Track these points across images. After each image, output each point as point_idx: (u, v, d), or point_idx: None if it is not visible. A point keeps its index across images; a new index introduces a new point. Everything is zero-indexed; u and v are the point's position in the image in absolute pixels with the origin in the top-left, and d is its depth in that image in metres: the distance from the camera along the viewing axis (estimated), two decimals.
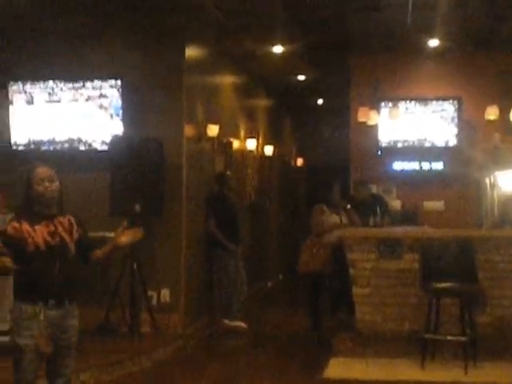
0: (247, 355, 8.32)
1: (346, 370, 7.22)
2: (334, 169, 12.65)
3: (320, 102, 15.63)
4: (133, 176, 8.00)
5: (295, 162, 17.25)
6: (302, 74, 12.82)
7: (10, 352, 4.52)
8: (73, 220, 4.66)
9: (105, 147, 8.42)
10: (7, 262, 4.44)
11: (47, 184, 4.53)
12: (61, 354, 4.57)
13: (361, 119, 10.92)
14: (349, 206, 9.07)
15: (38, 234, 4.49)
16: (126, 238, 4.68)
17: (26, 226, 4.49)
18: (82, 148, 8.56)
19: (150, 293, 8.23)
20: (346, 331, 7.99)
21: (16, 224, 4.51)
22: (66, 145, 8.58)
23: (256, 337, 9.30)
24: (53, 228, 4.53)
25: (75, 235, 4.62)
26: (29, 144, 8.66)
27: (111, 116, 8.46)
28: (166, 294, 8.42)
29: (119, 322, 8.07)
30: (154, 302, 8.35)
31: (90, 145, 8.55)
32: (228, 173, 9.95)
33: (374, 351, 7.50)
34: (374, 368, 7.24)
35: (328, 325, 8.87)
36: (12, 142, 8.66)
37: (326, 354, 7.72)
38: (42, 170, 4.58)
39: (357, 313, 7.79)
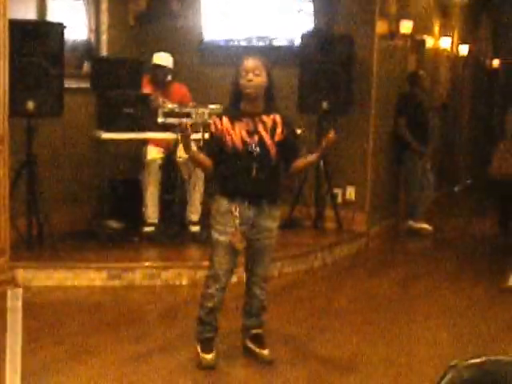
0: (429, 258, 8.21)
1: None
2: None
3: None
4: (322, 73, 7.88)
5: (491, 63, 16.47)
6: None
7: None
8: (279, 119, 4.39)
9: (294, 43, 8.31)
10: (207, 162, 4.38)
11: (251, 77, 4.28)
12: (256, 252, 4.51)
13: None
14: None
15: (236, 132, 4.32)
16: (327, 145, 4.40)
17: (226, 123, 4.33)
18: (273, 44, 8.39)
19: (335, 190, 8.25)
20: None
21: (217, 120, 4.36)
22: (255, 41, 8.48)
23: (440, 240, 9.16)
24: (252, 126, 4.33)
25: (279, 136, 4.38)
26: (212, 41, 8.53)
27: (303, 11, 8.23)
28: (351, 191, 8.39)
29: (304, 218, 8.19)
30: (339, 199, 8.37)
31: (279, 41, 8.42)
32: (421, 72, 9.62)
33: None
34: None
35: None
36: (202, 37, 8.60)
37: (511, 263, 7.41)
38: (248, 62, 4.34)
39: None
